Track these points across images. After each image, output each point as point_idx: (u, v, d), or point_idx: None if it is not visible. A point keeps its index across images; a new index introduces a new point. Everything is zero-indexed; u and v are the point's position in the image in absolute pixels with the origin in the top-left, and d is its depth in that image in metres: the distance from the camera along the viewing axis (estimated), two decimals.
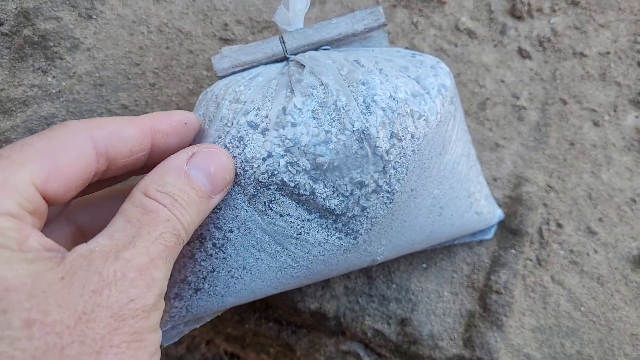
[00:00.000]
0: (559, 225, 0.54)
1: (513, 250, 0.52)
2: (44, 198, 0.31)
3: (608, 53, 0.59)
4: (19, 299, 0.25)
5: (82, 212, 0.40)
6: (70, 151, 0.32)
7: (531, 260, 0.53)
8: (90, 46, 0.56)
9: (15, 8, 0.56)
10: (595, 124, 0.57)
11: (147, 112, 0.55)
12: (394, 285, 0.51)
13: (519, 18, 0.60)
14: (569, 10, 0.60)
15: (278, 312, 0.54)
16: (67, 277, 0.27)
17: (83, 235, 0.38)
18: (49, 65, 0.55)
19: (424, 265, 0.52)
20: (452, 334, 0.50)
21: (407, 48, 0.58)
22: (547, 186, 0.55)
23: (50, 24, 0.56)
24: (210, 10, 0.58)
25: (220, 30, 0.58)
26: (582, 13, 0.60)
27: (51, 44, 0.55)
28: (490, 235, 0.52)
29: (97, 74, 0.55)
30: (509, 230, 0.53)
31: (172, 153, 0.38)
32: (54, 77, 0.55)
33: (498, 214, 0.52)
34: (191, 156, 0.35)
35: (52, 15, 0.56)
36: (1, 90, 0.54)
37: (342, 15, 0.59)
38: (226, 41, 0.58)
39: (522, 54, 0.59)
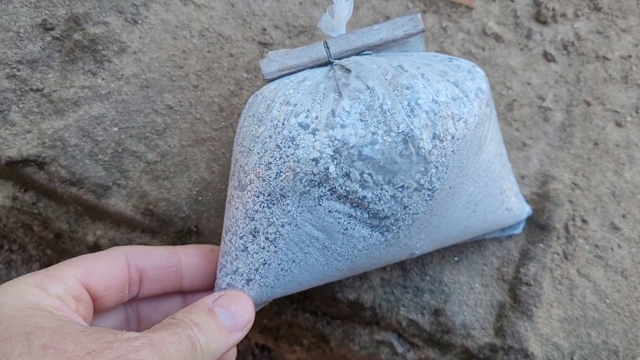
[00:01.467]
0: (584, 221, 0.56)
1: (541, 245, 0.55)
2: (87, 290, 0.39)
3: (630, 56, 0.62)
4: (43, 334, 0.32)
5: None
6: (106, 259, 0.42)
7: (558, 254, 0.55)
8: (137, 50, 0.59)
9: (66, 13, 0.59)
10: (618, 124, 0.60)
11: (191, 112, 0.58)
12: (427, 277, 0.54)
13: (544, 23, 0.62)
14: (592, 16, 0.63)
15: (315, 303, 0.57)
16: (87, 331, 0.33)
17: None
18: (98, 67, 0.58)
19: (456, 259, 0.55)
20: (483, 324, 0.53)
21: (437, 52, 0.61)
22: (572, 184, 0.58)
23: (98, 29, 0.59)
24: (249, 16, 0.61)
25: (259, 34, 0.61)
26: (605, 18, 0.63)
27: (100, 48, 0.58)
28: (519, 230, 0.55)
29: (144, 76, 0.58)
30: (537, 225, 0.56)
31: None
32: (103, 79, 0.58)
33: (526, 210, 0.54)
34: (217, 297, 0.42)
35: (101, 21, 0.59)
36: (54, 91, 0.57)
37: (374, 20, 0.61)
38: (265, 45, 0.61)
39: (547, 57, 0.61)
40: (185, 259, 0.45)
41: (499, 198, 0.49)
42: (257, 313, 0.62)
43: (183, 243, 0.56)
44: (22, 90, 0.57)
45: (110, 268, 0.41)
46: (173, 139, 0.57)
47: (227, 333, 0.40)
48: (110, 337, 0.33)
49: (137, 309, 0.46)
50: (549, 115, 0.60)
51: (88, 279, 0.39)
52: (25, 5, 0.59)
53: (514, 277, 0.54)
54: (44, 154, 0.56)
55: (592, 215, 0.57)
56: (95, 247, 0.59)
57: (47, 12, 0.59)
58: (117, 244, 0.58)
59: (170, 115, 0.58)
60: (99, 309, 0.41)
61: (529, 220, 0.56)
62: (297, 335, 0.64)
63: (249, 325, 0.42)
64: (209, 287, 0.47)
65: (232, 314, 0.41)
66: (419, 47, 0.49)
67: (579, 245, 0.56)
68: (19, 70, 0.57)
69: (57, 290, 0.37)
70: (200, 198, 0.55)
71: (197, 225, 0.55)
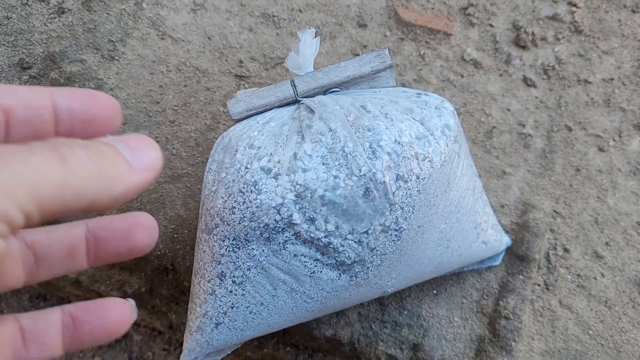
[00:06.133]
0: (566, 250, 0.55)
1: (521, 276, 0.54)
2: None
3: (612, 79, 0.61)
4: None
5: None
6: None
7: (539, 285, 0.54)
8: (113, 86, 0.59)
9: (43, 52, 0.60)
10: (601, 149, 0.59)
11: (167, 148, 0.58)
12: (405, 312, 0.54)
13: (524, 47, 0.62)
14: (573, 38, 0.62)
15: (295, 337, 0.57)
16: None
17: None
18: None
19: (435, 292, 0.54)
20: (462, 359, 0.52)
21: (415, 80, 0.61)
22: (553, 212, 0.57)
23: (75, 67, 0.59)
24: (226, 49, 0.61)
25: (236, 67, 0.61)
26: (586, 41, 0.62)
27: (77, 85, 0.59)
28: (498, 262, 0.54)
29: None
30: (517, 256, 0.55)
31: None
32: None
33: (505, 241, 0.53)
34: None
35: (77, 58, 0.59)
36: None
37: (351, 49, 0.61)
38: (241, 78, 0.60)
39: (527, 82, 0.61)
40: (60, 102, 0.35)
41: (473, 232, 0.49)
42: (239, 347, 0.62)
43: (160, 282, 0.56)
44: None
45: None
46: None
47: (127, 164, 0.30)
48: None
49: None
50: (530, 141, 0.59)
51: None
52: (3, 45, 0.60)
53: (494, 310, 0.53)
54: None
55: (574, 243, 0.56)
56: (76, 283, 0.59)
57: (24, 51, 0.60)
58: (96, 281, 0.58)
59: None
60: None
61: (509, 250, 0.55)
62: None
63: (156, 167, 0.32)
64: (90, 135, 0.36)
65: (134, 147, 0.31)
66: (389, 81, 0.49)
67: (561, 275, 0.55)
68: None
69: None
70: (175, 235, 0.55)
71: (172, 263, 0.55)
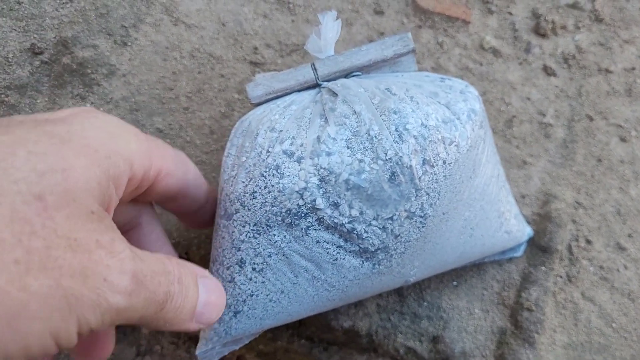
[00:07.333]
0: (588, 242, 0.54)
1: (543, 267, 0.53)
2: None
3: (633, 69, 0.60)
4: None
5: None
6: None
7: (561, 276, 0.53)
8: (126, 72, 0.58)
9: (55, 37, 0.58)
10: (622, 139, 0.58)
11: (181, 135, 0.57)
12: (425, 303, 0.52)
13: (544, 36, 0.60)
14: (593, 27, 0.61)
15: (310, 329, 0.56)
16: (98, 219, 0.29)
17: None
18: (87, 91, 0.57)
19: (455, 283, 0.53)
20: (483, 351, 0.51)
21: (433, 68, 0.59)
22: (575, 203, 0.56)
23: (87, 52, 0.58)
24: (240, 35, 0.60)
25: (250, 54, 0.60)
26: (607, 29, 0.61)
27: (89, 71, 0.58)
28: (520, 253, 0.53)
29: (133, 99, 0.57)
30: (539, 247, 0.54)
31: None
32: (92, 103, 0.57)
33: (527, 231, 0.52)
34: (206, 276, 0.38)
35: (90, 44, 0.58)
36: None
37: (368, 37, 0.60)
38: (256, 64, 0.59)
39: (547, 71, 0.60)
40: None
41: (497, 221, 0.48)
42: (253, 340, 0.61)
43: None
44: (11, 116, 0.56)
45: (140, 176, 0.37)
46: None
47: (190, 319, 0.35)
48: (107, 238, 0.28)
49: None
50: (550, 131, 0.58)
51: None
52: (14, 30, 0.58)
53: (515, 302, 0.52)
54: None
55: (597, 235, 0.55)
56: None
57: (35, 36, 0.58)
58: None
59: (160, 139, 0.56)
60: None
61: (531, 242, 0.54)
62: None
63: (206, 325, 0.38)
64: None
65: (208, 305, 0.37)
66: (411, 66, 0.48)
67: (583, 267, 0.54)
68: (7, 96, 0.56)
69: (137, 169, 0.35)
70: None
71: (187, 252, 0.53)
